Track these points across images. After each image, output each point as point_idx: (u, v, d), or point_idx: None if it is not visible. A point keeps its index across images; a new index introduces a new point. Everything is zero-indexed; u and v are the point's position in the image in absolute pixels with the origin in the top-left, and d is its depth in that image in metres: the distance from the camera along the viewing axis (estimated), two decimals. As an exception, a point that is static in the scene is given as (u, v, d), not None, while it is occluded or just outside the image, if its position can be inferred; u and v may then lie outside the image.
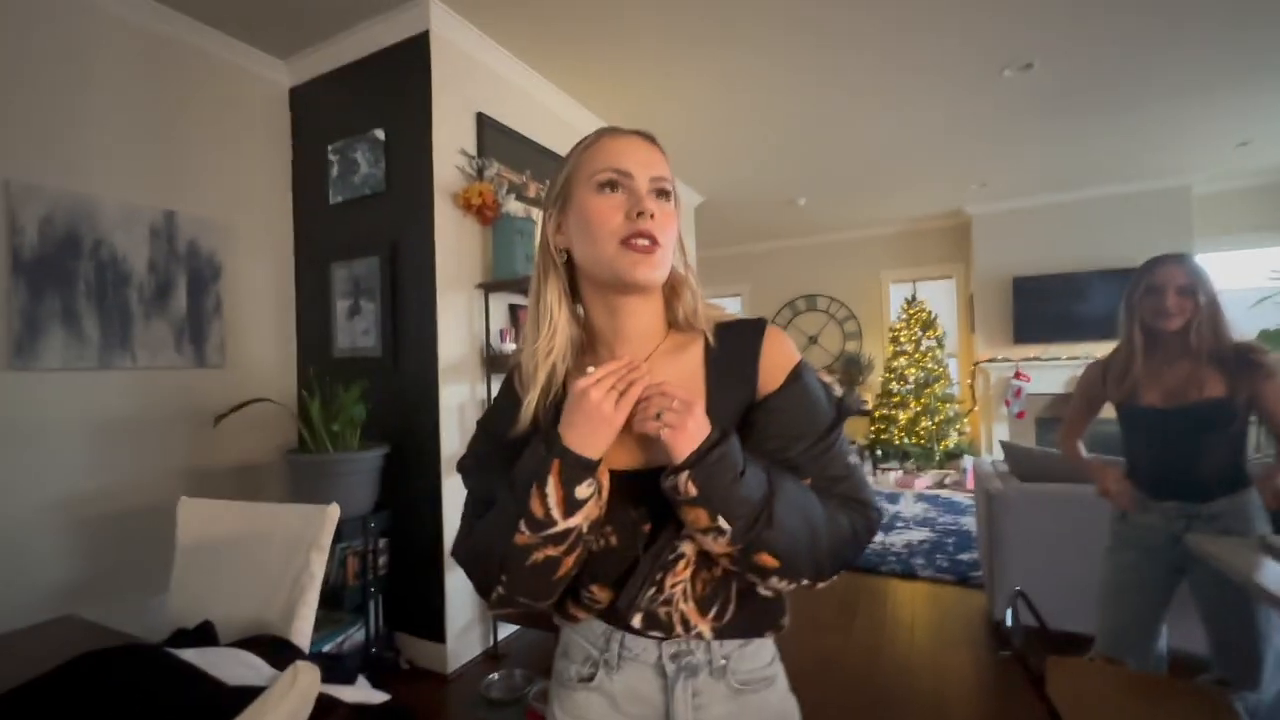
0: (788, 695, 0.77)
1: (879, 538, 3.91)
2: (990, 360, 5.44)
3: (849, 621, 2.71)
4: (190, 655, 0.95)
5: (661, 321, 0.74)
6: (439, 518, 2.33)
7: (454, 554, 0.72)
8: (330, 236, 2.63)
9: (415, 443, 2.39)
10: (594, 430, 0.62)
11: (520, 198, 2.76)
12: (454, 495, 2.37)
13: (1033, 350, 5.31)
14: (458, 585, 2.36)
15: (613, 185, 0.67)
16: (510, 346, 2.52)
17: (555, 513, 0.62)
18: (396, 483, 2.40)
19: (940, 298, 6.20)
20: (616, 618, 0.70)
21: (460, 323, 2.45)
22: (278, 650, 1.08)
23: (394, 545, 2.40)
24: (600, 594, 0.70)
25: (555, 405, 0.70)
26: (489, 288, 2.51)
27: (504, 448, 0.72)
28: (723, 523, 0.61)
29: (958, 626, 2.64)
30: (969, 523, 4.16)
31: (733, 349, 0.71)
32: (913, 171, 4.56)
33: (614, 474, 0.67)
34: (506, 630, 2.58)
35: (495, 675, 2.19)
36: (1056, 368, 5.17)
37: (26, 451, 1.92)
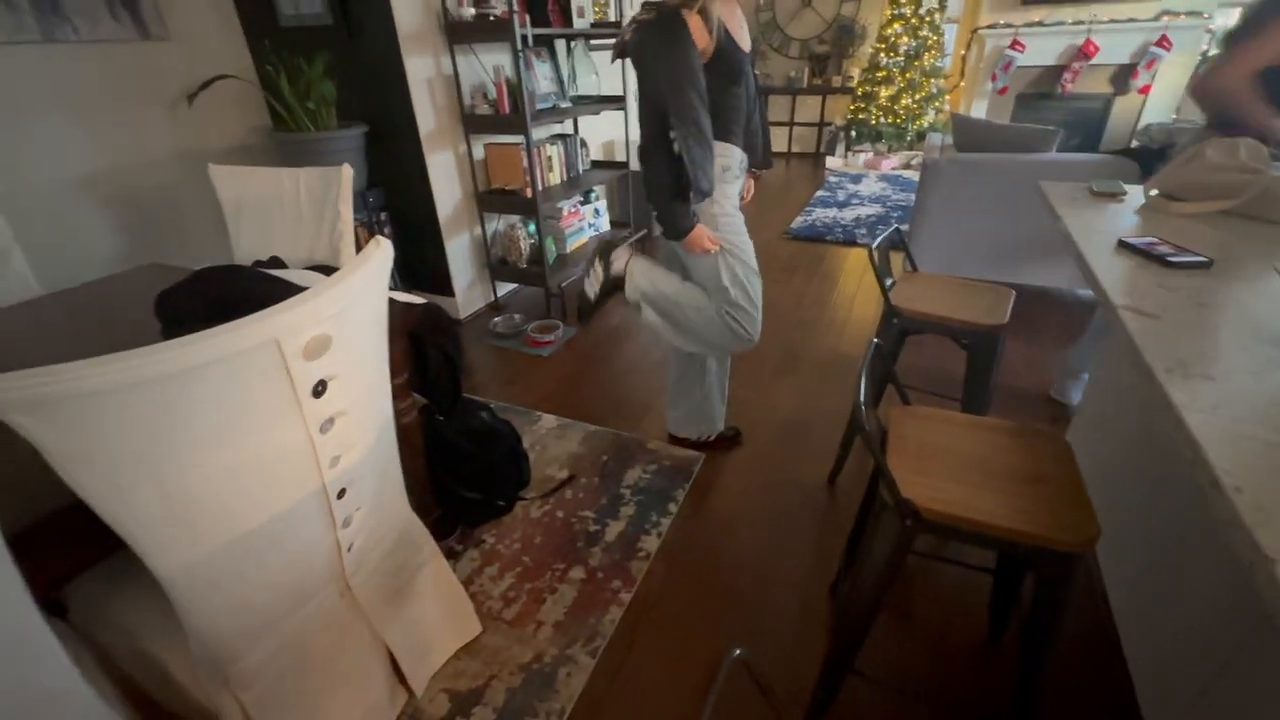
0: None
1: (834, 212, 4.30)
2: (991, 26, 5.04)
3: (789, 276, 3.26)
4: (274, 274, 1.31)
5: None
6: (429, 192, 2.57)
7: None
8: None
9: (391, 122, 2.47)
10: None
11: None
12: (440, 172, 2.58)
13: (1039, 13, 4.90)
14: (457, 249, 2.76)
15: None
16: (469, 11, 2.38)
17: None
18: (383, 162, 2.57)
19: (958, -57, 5.34)
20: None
21: (410, -19, 2.27)
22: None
23: (394, 218, 2.70)
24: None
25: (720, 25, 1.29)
26: (434, -66, 2.24)
27: (697, 70, 1.27)
28: None
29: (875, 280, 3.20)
30: (919, 199, 4.52)
31: None
32: None
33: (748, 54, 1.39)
34: (504, 289, 3.10)
35: (499, 318, 2.75)
36: (1057, 34, 4.86)
37: (22, 131, 2.01)
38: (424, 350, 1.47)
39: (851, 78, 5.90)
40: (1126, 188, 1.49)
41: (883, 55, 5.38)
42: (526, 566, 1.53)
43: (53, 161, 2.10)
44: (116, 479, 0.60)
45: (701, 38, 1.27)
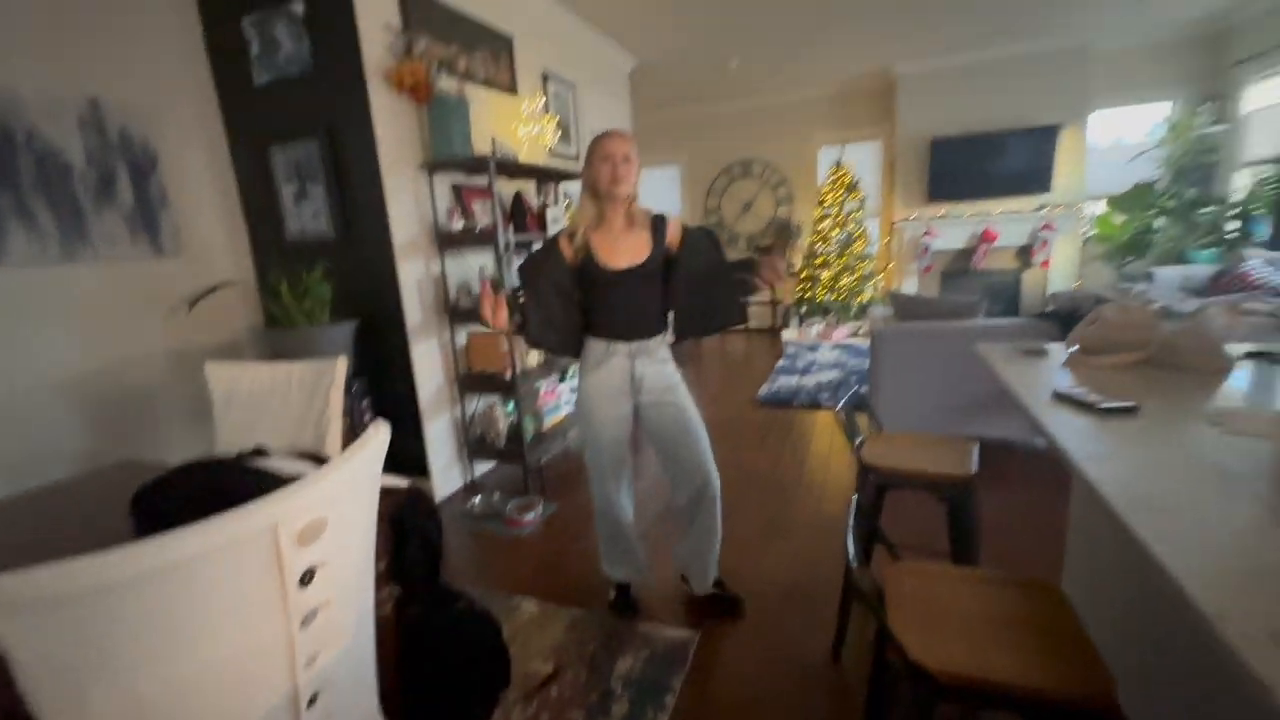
0: (675, 367, 1.80)
1: (796, 379, 4.56)
2: (905, 219, 5.92)
3: (763, 440, 3.35)
4: (259, 463, 1.31)
5: (626, 213, 1.69)
6: (411, 380, 2.68)
7: (529, 337, 1.68)
8: (263, 119, 2.64)
9: (381, 316, 2.66)
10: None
11: (451, 73, 2.79)
12: (424, 360, 2.72)
13: (942, 208, 5.81)
14: (436, 431, 2.79)
15: (605, 159, 1.60)
16: (459, 224, 2.72)
17: None
18: (369, 351, 2.71)
19: (867, 161, 6.49)
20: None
21: (408, 204, 2.62)
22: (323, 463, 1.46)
23: (375, 404, 2.76)
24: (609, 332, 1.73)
25: (583, 246, 1.66)
26: (432, 168, 2.64)
27: (553, 270, 1.67)
28: None
29: (844, 440, 3.31)
30: (872, 363, 4.86)
31: (659, 227, 1.71)
32: (838, 25, 4.62)
33: (623, 271, 1.66)
34: (482, 468, 3.08)
35: (477, 498, 2.70)
36: (961, 224, 5.72)
37: (16, 342, 2.09)
38: (405, 535, 1.43)
39: (794, 264, 6.69)
40: (1047, 346, 1.67)
41: (818, 245, 6.18)
42: (507, 789, 1.32)
43: (40, 367, 2.16)
44: (81, 686, 0.56)
45: (567, 251, 1.70)
